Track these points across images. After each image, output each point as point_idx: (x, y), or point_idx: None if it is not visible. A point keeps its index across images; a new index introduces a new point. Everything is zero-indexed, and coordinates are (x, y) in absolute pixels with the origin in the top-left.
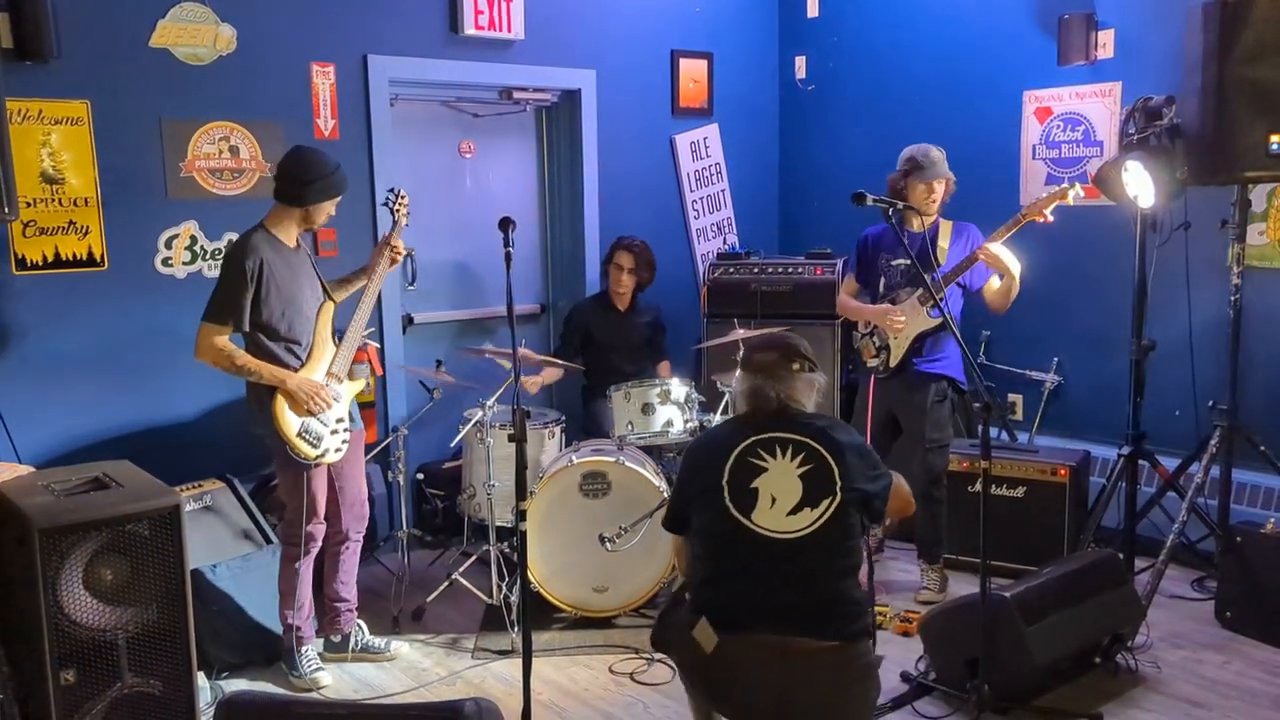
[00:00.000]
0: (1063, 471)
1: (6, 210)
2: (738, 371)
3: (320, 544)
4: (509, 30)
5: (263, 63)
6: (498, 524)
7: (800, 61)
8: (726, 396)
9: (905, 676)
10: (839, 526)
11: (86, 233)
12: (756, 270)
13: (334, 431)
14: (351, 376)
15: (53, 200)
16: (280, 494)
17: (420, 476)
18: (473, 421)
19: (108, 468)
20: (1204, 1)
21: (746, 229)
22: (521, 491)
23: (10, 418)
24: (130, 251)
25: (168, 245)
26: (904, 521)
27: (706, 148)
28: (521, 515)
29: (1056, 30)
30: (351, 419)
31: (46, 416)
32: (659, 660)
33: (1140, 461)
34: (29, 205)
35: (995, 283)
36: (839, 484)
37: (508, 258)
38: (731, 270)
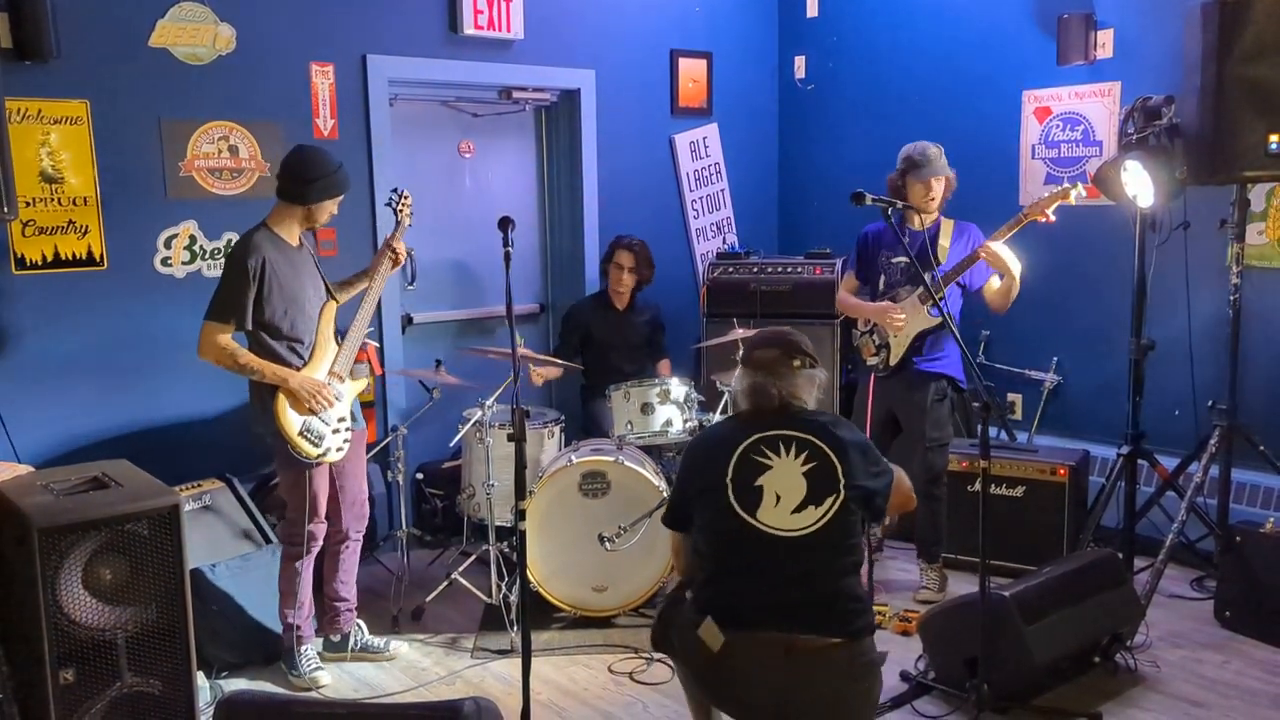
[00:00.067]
0: (1062, 471)
1: (6, 210)
2: (738, 368)
3: (321, 543)
4: (508, 30)
5: (262, 62)
6: (497, 523)
7: (800, 61)
8: (726, 396)
9: (905, 676)
10: (842, 524)
11: (86, 232)
12: (756, 270)
13: (335, 431)
14: (354, 376)
15: (52, 200)
16: (282, 493)
17: (420, 476)
18: (472, 421)
19: (107, 467)
20: (1203, 1)
21: (746, 229)
22: (521, 491)
23: (9, 417)
24: (129, 251)
25: (167, 245)
26: (903, 521)
27: (706, 147)
28: (521, 515)
29: (1056, 30)
30: (353, 418)
31: (46, 416)
32: (658, 660)
33: (1139, 461)
34: (28, 205)
35: (995, 283)
36: (842, 482)
37: (507, 257)
38: (731, 270)
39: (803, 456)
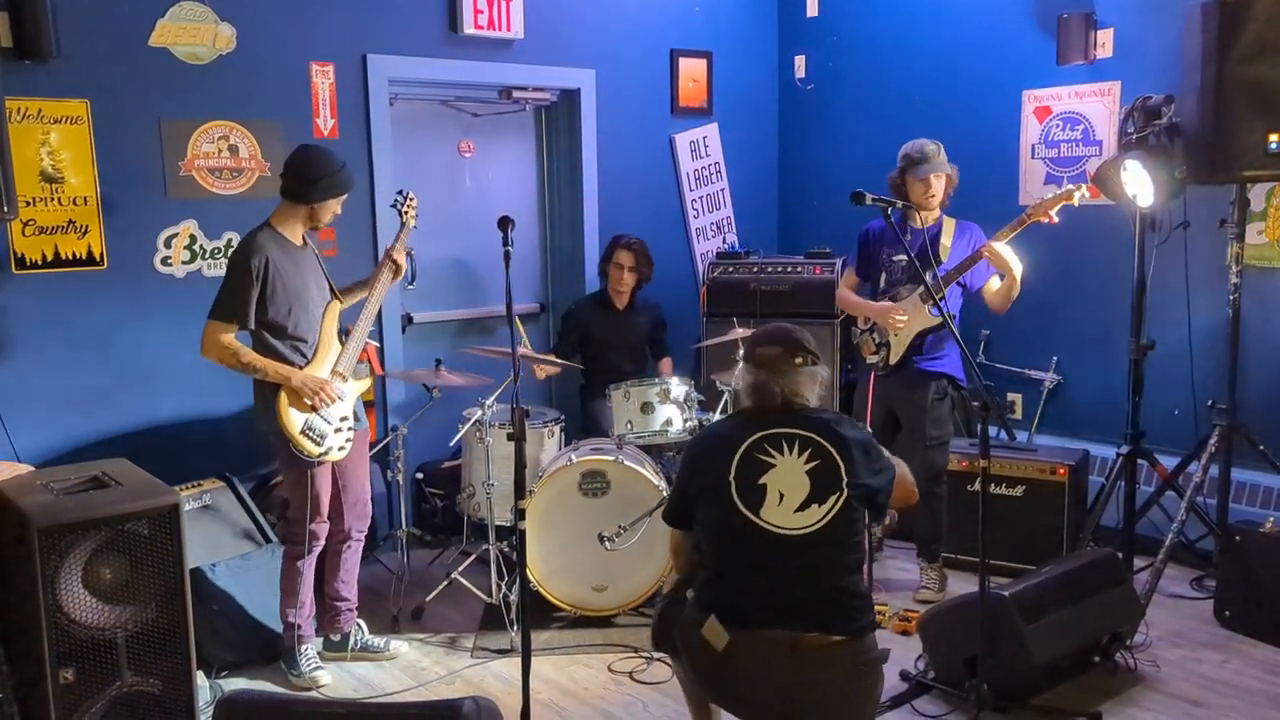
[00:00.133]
0: (1062, 470)
1: (6, 209)
2: (740, 365)
3: (323, 543)
4: (508, 30)
5: (262, 62)
6: (497, 523)
7: (800, 61)
8: (725, 396)
9: (904, 675)
10: (845, 522)
11: (86, 232)
12: (756, 269)
13: (338, 430)
14: (357, 376)
15: (52, 199)
16: (284, 492)
17: (420, 476)
18: (472, 420)
19: (107, 467)
20: (1203, 1)
21: (746, 228)
22: (520, 490)
23: (9, 417)
24: (129, 251)
25: (167, 244)
26: (903, 520)
27: (706, 147)
28: (520, 514)
29: (1055, 30)
30: (356, 418)
31: (45, 415)
32: (658, 659)
33: (1139, 460)
34: (28, 204)
35: (995, 283)
36: (845, 480)
37: (507, 257)
38: (731, 269)
39: (806, 455)
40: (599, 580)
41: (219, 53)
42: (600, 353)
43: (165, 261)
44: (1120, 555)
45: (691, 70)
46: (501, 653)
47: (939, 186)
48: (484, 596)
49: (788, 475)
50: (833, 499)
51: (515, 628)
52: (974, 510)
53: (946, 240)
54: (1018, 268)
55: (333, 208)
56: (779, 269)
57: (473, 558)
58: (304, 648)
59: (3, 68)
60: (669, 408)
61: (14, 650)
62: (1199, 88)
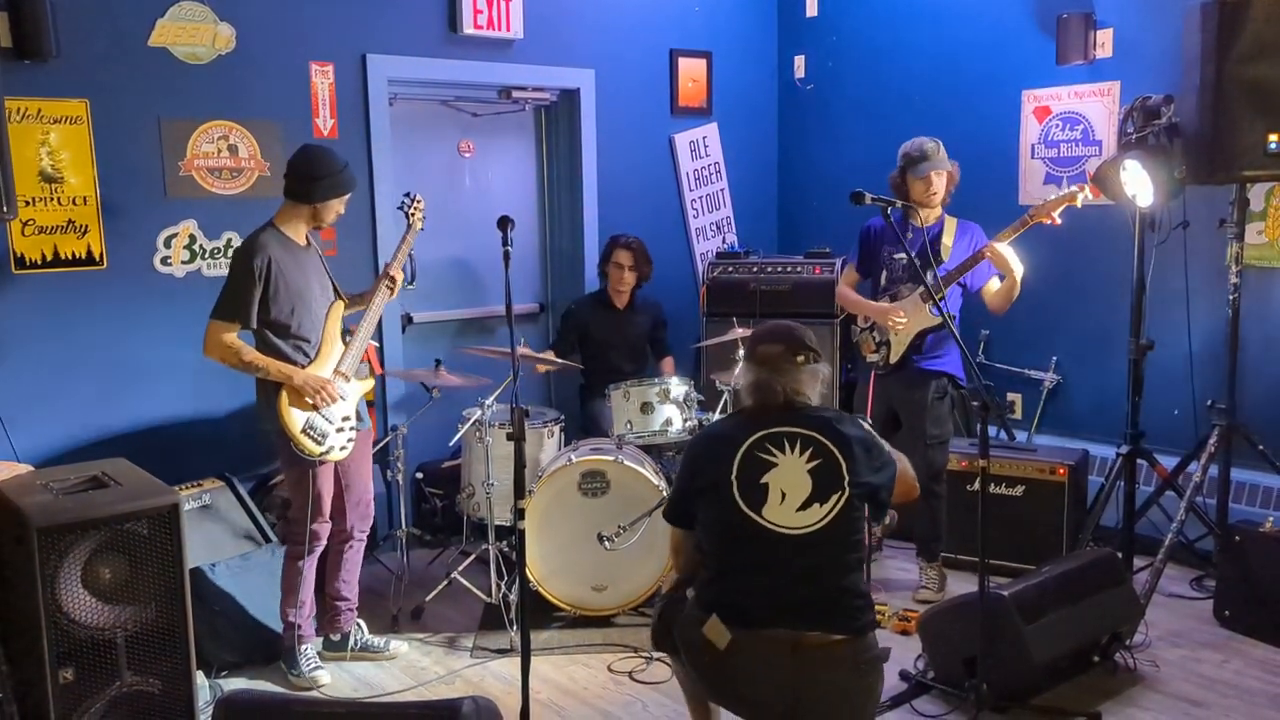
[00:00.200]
0: (1061, 470)
1: (5, 209)
2: (741, 363)
3: (324, 543)
4: (508, 30)
5: (262, 62)
6: (497, 523)
7: (799, 61)
8: (725, 396)
9: (904, 675)
10: (847, 520)
11: (85, 232)
12: (755, 269)
13: (340, 430)
14: (359, 377)
15: (52, 199)
16: (286, 491)
17: (419, 475)
18: (471, 420)
19: (106, 466)
20: (1202, 1)
21: (745, 228)
22: (520, 490)
23: (9, 417)
24: (129, 251)
25: (166, 244)
26: (903, 520)
27: (705, 147)
28: (520, 514)
29: (1055, 30)
30: (359, 418)
31: (45, 415)
32: (658, 659)
33: (1139, 460)
34: (28, 204)
35: (995, 284)
36: (847, 479)
37: (506, 257)
38: (730, 269)
39: (808, 454)
40: (598, 580)
41: (218, 53)
42: (600, 352)
43: (165, 261)
44: (1120, 555)
45: (691, 70)
46: (501, 652)
47: (940, 184)
48: (483, 596)
49: (789, 474)
50: (834, 498)
51: (515, 627)
52: (973, 510)
53: (948, 240)
54: (1019, 269)
55: (336, 207)
56: (779, 269)
57: (472, 557)
58: (304, 647)
59: (2, 68)
60: (669, 408)
61: (14, 650)
62: (1198, 87)
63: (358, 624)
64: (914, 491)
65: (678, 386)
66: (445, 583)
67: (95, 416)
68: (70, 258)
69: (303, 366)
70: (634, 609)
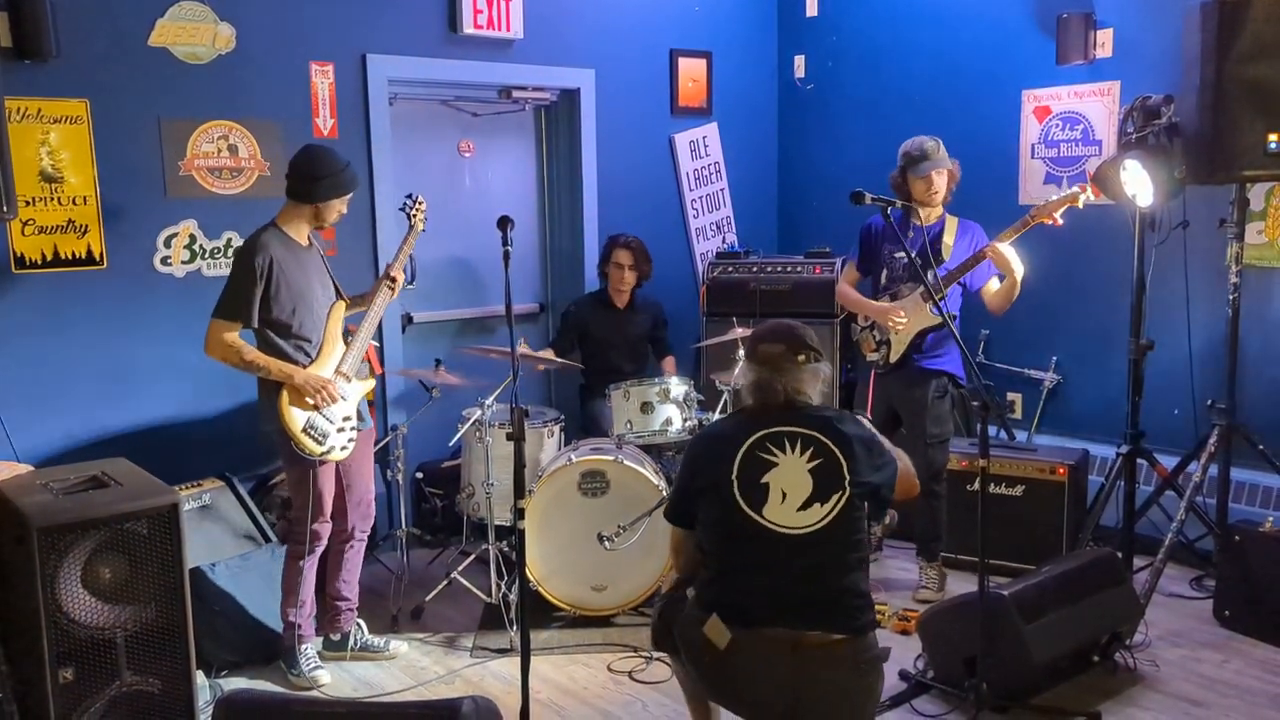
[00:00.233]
0: (1061, 470)
1: (5, 209)
2: (742, 361)
3: (325, 543)
4: (508, 29)
5: (262, 62)
6: (496, 523)
7: (799, 60)
8: (725, 395)
9: (904, 675)
10: (848, 520)
11: (85, 231)
12: (755, 269)
13: (341, 429)
14: (360, 377)
15: (52, 199)
16: (287, 491)
17: (419, 475)
18: (471, 420)
19: (106, 466)
20: (1202, 1)
21: (745, 228)
22: (520, 490)
23: (9, 417)
24: (129, 250)
25: (167, 244)
26: (903, 520)
27: (705, 147)
28: (520, 514)
29: (1055, 29)
30: (361, 418)
31: (45, 415)
32: (658, 659)
33: (1139, 460)
34: (28, 204)
35: (995, 284)
36: (848, 478)
37: (506, 257)
38: (730, 269)
39: (808, 453)
40: (598, 580)
41: (218, 52)
42: (600, 352)
43: (165, 261)
44: (1120, 555)
45: (691, 70)
46: (501, 652)
47: (941, 183)
48: (483, 596)
49: (790, 474)
50: (835, 497)
51: (514, 627)
52: (973, 510)
53: (949, 239)
54: (1019, 270)
55: (338, 207)
56: (778, 269)
57: (472, 557)
58: (304, 647)
59: (2, 67)
60: (669, 407)
61: (13, 650)
62: (1198, 87)
63: (358, 624)
64: (915, 489)
65: (678, 386)
66: (445, 583)
67: (95, 416)
68: (70, 257)
69: (304, 366)
70: (634, 609)
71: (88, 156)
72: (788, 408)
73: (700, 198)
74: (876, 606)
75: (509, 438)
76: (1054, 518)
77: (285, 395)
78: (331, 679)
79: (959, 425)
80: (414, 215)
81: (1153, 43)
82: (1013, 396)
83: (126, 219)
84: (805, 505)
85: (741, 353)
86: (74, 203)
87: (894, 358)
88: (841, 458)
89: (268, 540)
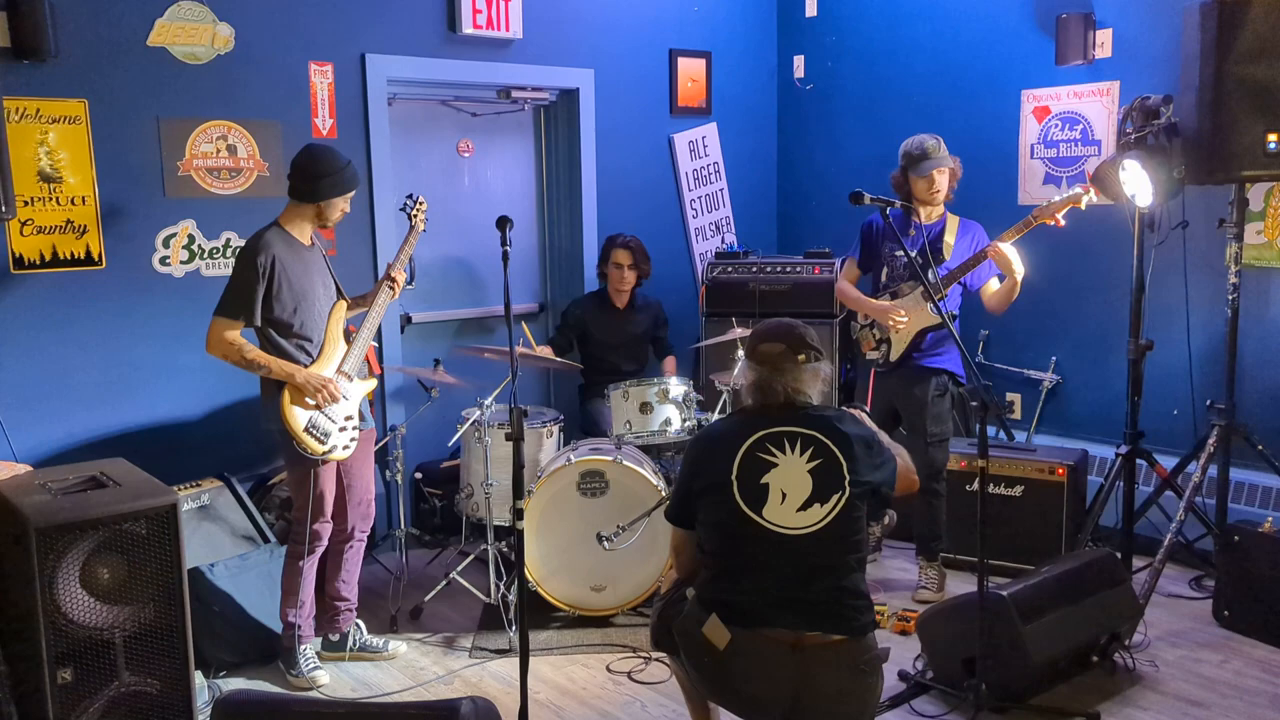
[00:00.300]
0: (1061, 470)
1: (4, 209)
2: (741, 360)
3: (326, 543)
4: (507, 29)
5: (261, 62)
6: (496, 523)
7: (799, 61)
8: (724, 396)
9: (903, 675)
10: (848, 520)
11: (84, 232)
12: (755, 269)
13: (342, 429)
14: (362, 377)
15: (50, 199)
16: (288, 490)
17: (418, 476)
18: (470, 421)
19: (105, 466)
20: (1201, 1)
21: (745, 228)
22: (519, 491)
23: (7, 417)
24: (128, 250)
25: (165, 244)
26: (902, 520)
27: (705, 147)
28: (518, 514)
29: (1054, 30)
30: (362, 418)
31: (44, 415)
32: (657, 659)
33: (1138, 460)
34: (26, 204)
35: (994, 284)
36: (848, 478)
37: (505, 257)
38: (730, 269)
39: (808, 454)
40: (597, 580)
41: (217, 52)
42: (600, 352)
43: (164, 261)
44: (1119, 555)
45: (690, 70)
46: (500, 653)
47: (943, 181)
48: (482, 596)
49: (790, 474)
50: (835, 498)
51: (513, 628)
52: (973, 510)
53: (950, 238)
54: (1020, 270)
55: (340, 206)
56: (778, 269)
57: (471, 558)
58: (303, 648)
59: (1, 67)
60: (668, 408)
61: (12, 650)
62: (1197, 87)
63: (356, 624)
64: (914, 485)
65: (677, 386)
66: (444, 583)
67: (94, 416)
68: (69, 258)
69: (305, 366)
70: (633, 609)
71: (86, 157)
72: (788, 408)
73: (699, 198)
74: (876, 607)
75: (508, 438)
76: (1053, 518)
77: (287, 395)
78: (330, 679)
79: (958, 425)
80: (415, 215)
81: (1152, 43)
82: (1012, 397)
83: (125, 219)
84: (805, 506)
85: (741, 352)
86: (73, 203)
87: (894, 356)
88: (841, 458)
89: (266, 540)
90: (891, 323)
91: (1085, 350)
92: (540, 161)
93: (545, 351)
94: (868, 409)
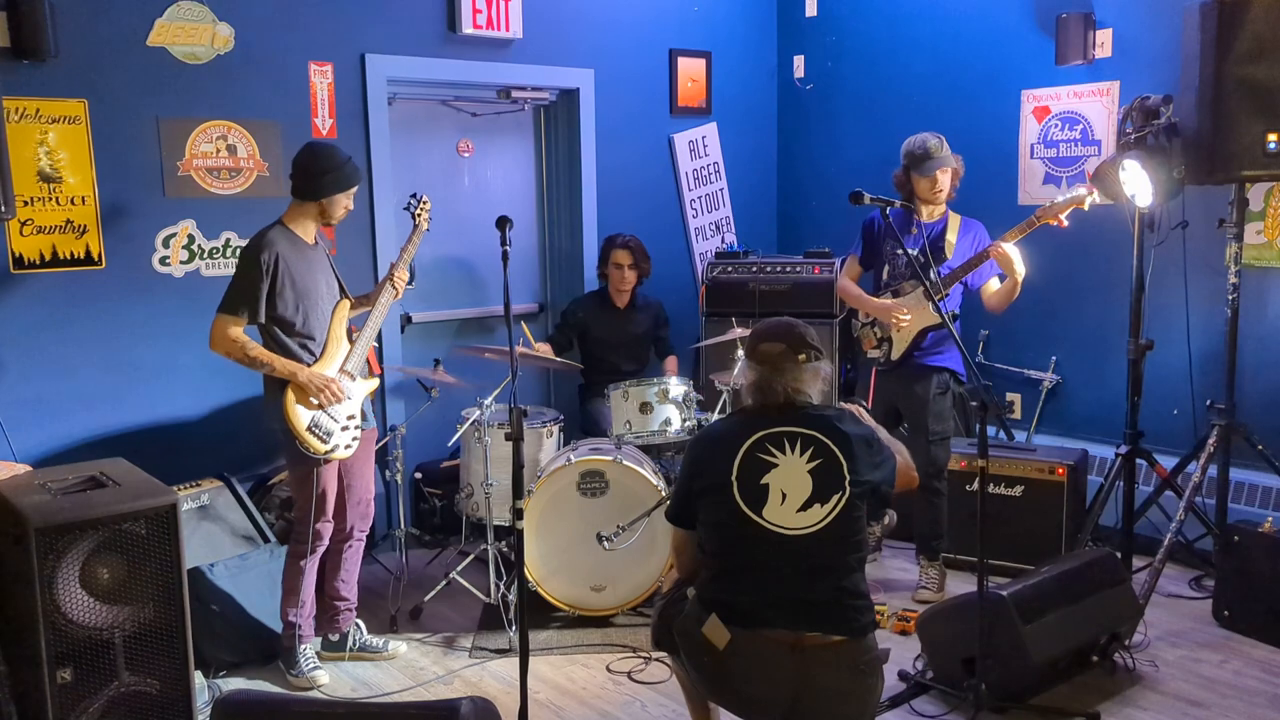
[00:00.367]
0: (1061, 470)
1: (4, 209)
2: (741, 360)
3: (327, 543)
4: (507, 29)
5: (260, 62)
6: (495, 523)
7: (799, 60)
8: (724, 396)
9: (903, 675)
10: (848, 520)
11: (84, 232)
12: (755, 269)
13: (344, 428)
14: (364, 376)
15: (50, 199)
16: (289, 490)
17: (418, 476)
18: (470, 420)
19: (104, 466)
20: (1201, 1)
21: (745, 228)
22: (518, 490)
23: (7, 417)
24: (128, 250)
25: (165, 244)
26: (903, 520)
27: (705, 147)
28: (518, 514)
29: (1054, 29)
30: (364, 417)
31: (43, 415)
32: (657, 659)
33: (1138, 460)
34: (26, 204)
35: (995, 284)
36: (848, 478)
37: (505, 257)
38: (730, 269)
39: (808, 454)
40: (597, 580)
41: (217, 52)
42: (601, 352)
43: (164, 261)
44: (1119, 555)
45: (690, 70)
46: (500, 653)
47: (945, 181)
48: (482, 596)
49: (790, 475)
50: (835, 498)
51: (513, 628)
52: (972, 510)
53: (952, 236)
54: (1022, 271)
55: (343, 202)
56: (778, 269)
57: (471, 558)
58: (303, 647)
59: (1, 67)
60: (668, 408)
61: (12, 651)
62: (1197, 87)
63: (356, 624)
64: (914, 482)
65: (677, 387)
66: (444, 583)
67: (93, 416)
68: (69, 258)
69: (308, 364)
70: (633, 609)
71: (86, 157)
72: (787, 408)
73: (699, 198)
74: (876, 607)
75: (508, 438)
76: (1053, 518)
77: (290, 394)
78: (330, 679)
79: (959, 425)
80: (419, 215)
81: (1152, 43)
82: (1012, 397)
83: (125, 219)
84: (805, 506)
85: (741, 352)
86: (72, 203)
87: (896, 355)
88: (842, 458)
89: (266, 540)
90: (894, 322)
91: (1085, 350)
92: (540, 161)
93: (545, 350)
94: (866, 404)
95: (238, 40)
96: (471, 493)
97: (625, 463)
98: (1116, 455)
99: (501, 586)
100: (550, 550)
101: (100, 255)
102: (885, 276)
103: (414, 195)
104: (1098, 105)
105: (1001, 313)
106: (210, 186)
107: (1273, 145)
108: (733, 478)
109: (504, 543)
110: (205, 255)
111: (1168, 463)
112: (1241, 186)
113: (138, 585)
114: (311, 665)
